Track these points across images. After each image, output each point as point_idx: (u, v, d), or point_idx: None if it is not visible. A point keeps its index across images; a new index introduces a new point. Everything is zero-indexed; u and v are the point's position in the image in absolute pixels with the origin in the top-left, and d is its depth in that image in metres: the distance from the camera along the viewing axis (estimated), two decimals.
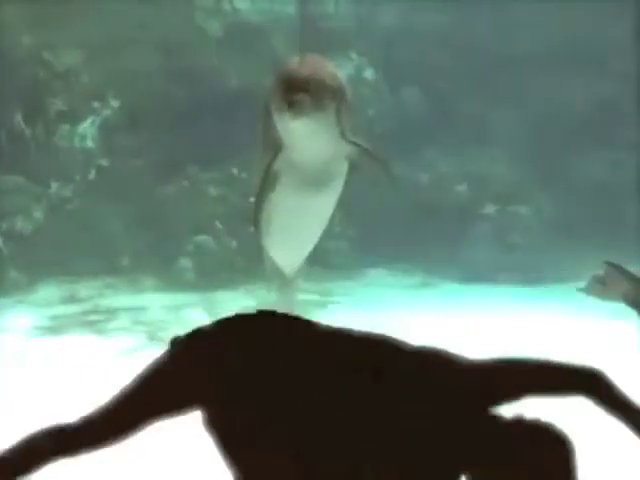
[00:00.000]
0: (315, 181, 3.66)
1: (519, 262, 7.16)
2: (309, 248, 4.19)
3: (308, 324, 1.22)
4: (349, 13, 8.98)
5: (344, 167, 3.73)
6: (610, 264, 3.15)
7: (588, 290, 3.46)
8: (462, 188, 7.90)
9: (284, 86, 3.19)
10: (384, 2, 8.86)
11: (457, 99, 8.29)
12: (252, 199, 4.03)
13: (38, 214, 7.08)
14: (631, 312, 5.92)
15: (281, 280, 4.55)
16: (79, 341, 5.42)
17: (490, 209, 7.61)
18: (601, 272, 3.27)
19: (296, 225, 3.90)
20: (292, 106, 3.13)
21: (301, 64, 3.38)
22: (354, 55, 8.55)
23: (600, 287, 3.33)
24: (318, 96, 3.13)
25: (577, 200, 7.70)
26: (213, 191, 7.25)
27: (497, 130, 8.29)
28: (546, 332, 5.44)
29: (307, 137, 3.32)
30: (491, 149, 8.17)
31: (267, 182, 3.55)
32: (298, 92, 3.11)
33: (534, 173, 7.94)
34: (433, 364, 1.19)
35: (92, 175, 7.38)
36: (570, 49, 8.20)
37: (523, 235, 7.44)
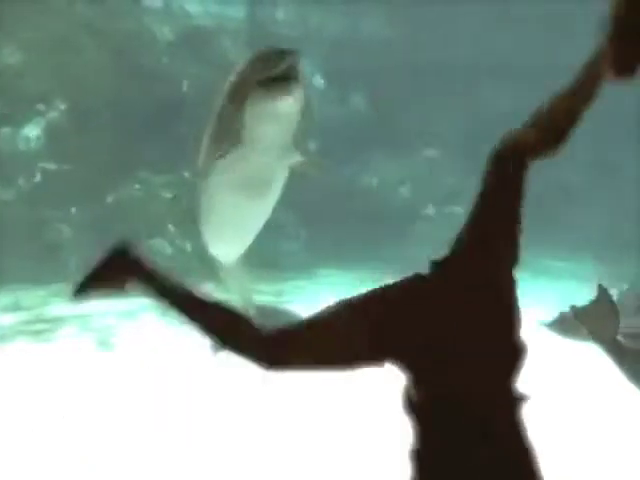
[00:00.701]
0: (262, 180, 3.73)
1: None
2: (247, 243, 4.29)
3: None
4: (298, 20, 9.17)
5: (287, 169, 3.83)
6: (602, 288, 2.91)
7: (554, 325, 3.21)
8: (405, 190, 8.26)
9: (269, 63, 3.13)
10: (332, 11, 9.09)
11: (400, 105, 8.65)
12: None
13: None
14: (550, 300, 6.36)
15: (225, 273, 4.59)
16: (25, 350, 5.28)
17: (430, 210, 8.00)
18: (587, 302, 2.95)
19: (236, 221, 3.97)
20: (280, 83, 3.11)
21: (275, 51, 3.37)
22: (303, 60, 8.71)
23: (571, 322, 3.09)
24: (298, 81, 3.19)
25: None
26: (166, 194, 7.23)
27: (436, 134, 8.70)
28: None
29: (277, 119, 3.32)
30: (430, 153, 8.58)
31: (214, 174, 3.52)
32: (287, 70, 3.11)
33: (468, 175, 8.36)
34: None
35: (37, 179, 7.19)
36: (502, 60, 8.72)
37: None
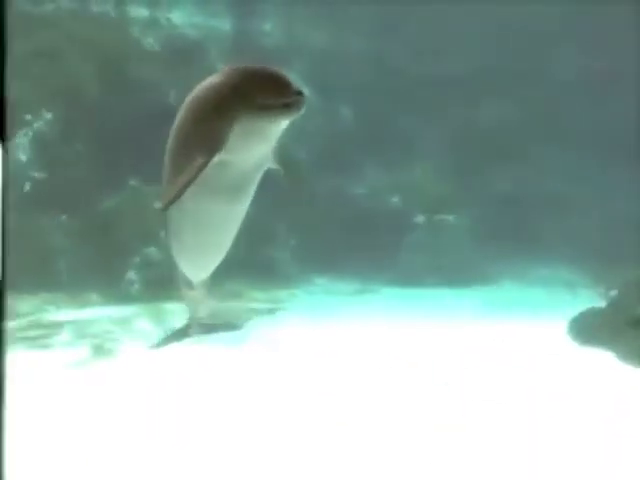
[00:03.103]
0: (236, 188, 3.74)
1: (446, 267, 7.83)
2: (218, 260, 4.22)
3: None
4: (284, 31, 9.37)
5: (258, 178, 3.85)
6: None
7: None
8: (395, 199, 8.52)
9: (280, 86, 3.21)
10: (317, 23, 9.33)
11: (386, 117, 8.93)
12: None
13: None
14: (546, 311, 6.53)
15: (190, 290, 4.55)
16: (20, 357, 5.26)
17: (420, 218, 8.28)
18: None
19: (209, 234, 3.93)
20: (296, 105, 3.21)
21: (269, 67, 3.42)
22: (290, 72, 8.89)
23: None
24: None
25: (492, 209, 8.53)
26: (156, 204, 7.29)
27: (424, 145, 9.01)
28: (471, 329, 6.02)
29: (275, 135, 3.40)
30: (419, 163, 8.88)
31: (191, 181, 3.36)
32: (297, 92, 3.22)
33: (456, 184, 8.69)
34: None
35: (27, 188, 7.20)
36: (491, 72, 9.09)
37: (449, 242, 8.15)
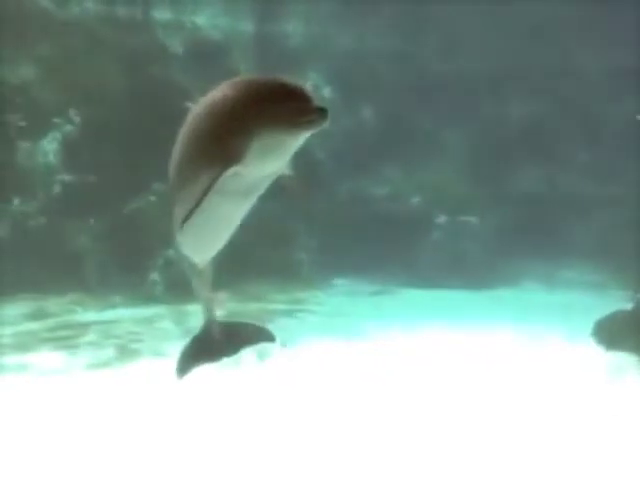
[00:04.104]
0: (247, 192, 3.80)
1: (467, 269, 7.75)
2: (219, 246, 4.35)
3: None
4: (307, 33, 9.40)
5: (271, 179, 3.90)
6: None
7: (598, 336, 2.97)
8: (416, 200, 8.46)
9: (302, 102, 3.18)
10: (340, 24, 9.32)
11: (409, 117, 8.87)
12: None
13: (0, 231, 7.02)
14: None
15: (195, 276, 4.56)
16: (48, 357, 5.39)
17: (442, 219, 8.21)
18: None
19: (214, 228, 4.03)
20: (318, 121, 3.18)
21: (288, 80, 3.40)
22: (312, 73, 8.93)
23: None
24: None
25: (514, 210, 8.40)
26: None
27: (446, 145, 8.92)
28: (492, 332, 5.93)
29: (293, 149, 3.43)
30: (441, 163, 8.80)
31: (208, 192, 3.43)
32: (319, 108, 3.19)
33: (480, 185, 8.59)
34: None
35: (56, 190, 7.38)
36: (512, 71, 8.94)
37: (471, 243, 8.06)
